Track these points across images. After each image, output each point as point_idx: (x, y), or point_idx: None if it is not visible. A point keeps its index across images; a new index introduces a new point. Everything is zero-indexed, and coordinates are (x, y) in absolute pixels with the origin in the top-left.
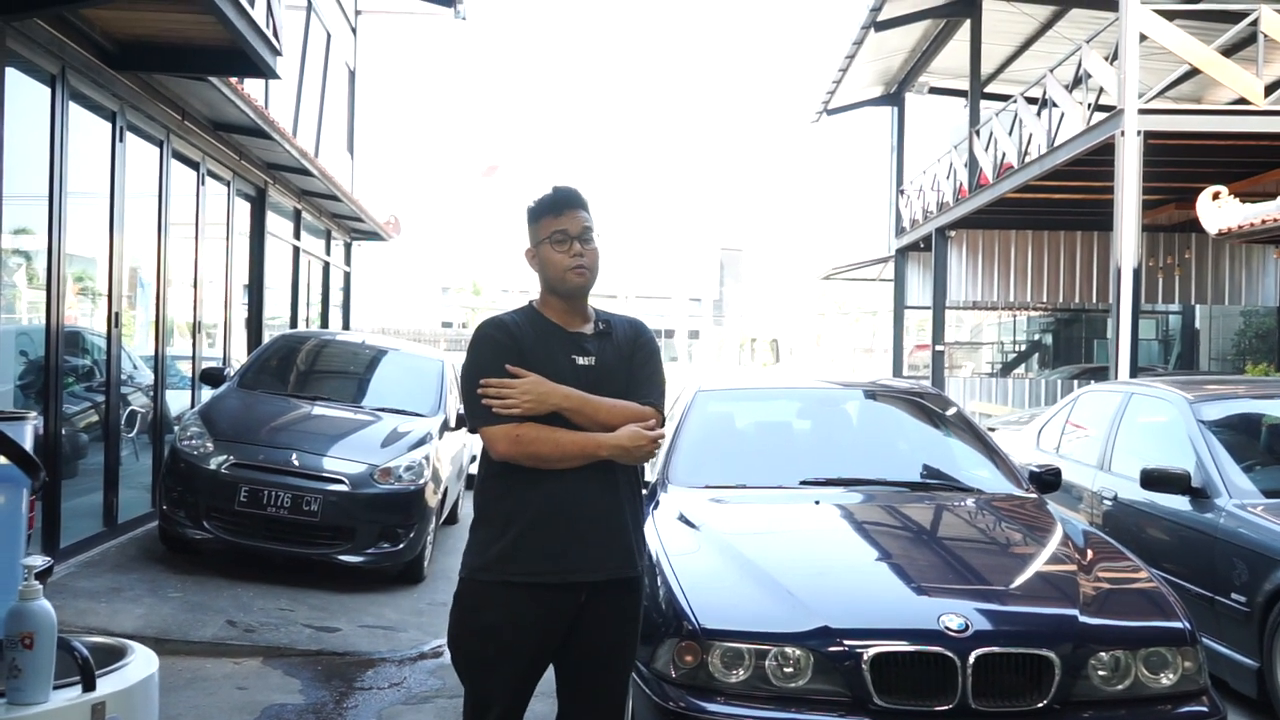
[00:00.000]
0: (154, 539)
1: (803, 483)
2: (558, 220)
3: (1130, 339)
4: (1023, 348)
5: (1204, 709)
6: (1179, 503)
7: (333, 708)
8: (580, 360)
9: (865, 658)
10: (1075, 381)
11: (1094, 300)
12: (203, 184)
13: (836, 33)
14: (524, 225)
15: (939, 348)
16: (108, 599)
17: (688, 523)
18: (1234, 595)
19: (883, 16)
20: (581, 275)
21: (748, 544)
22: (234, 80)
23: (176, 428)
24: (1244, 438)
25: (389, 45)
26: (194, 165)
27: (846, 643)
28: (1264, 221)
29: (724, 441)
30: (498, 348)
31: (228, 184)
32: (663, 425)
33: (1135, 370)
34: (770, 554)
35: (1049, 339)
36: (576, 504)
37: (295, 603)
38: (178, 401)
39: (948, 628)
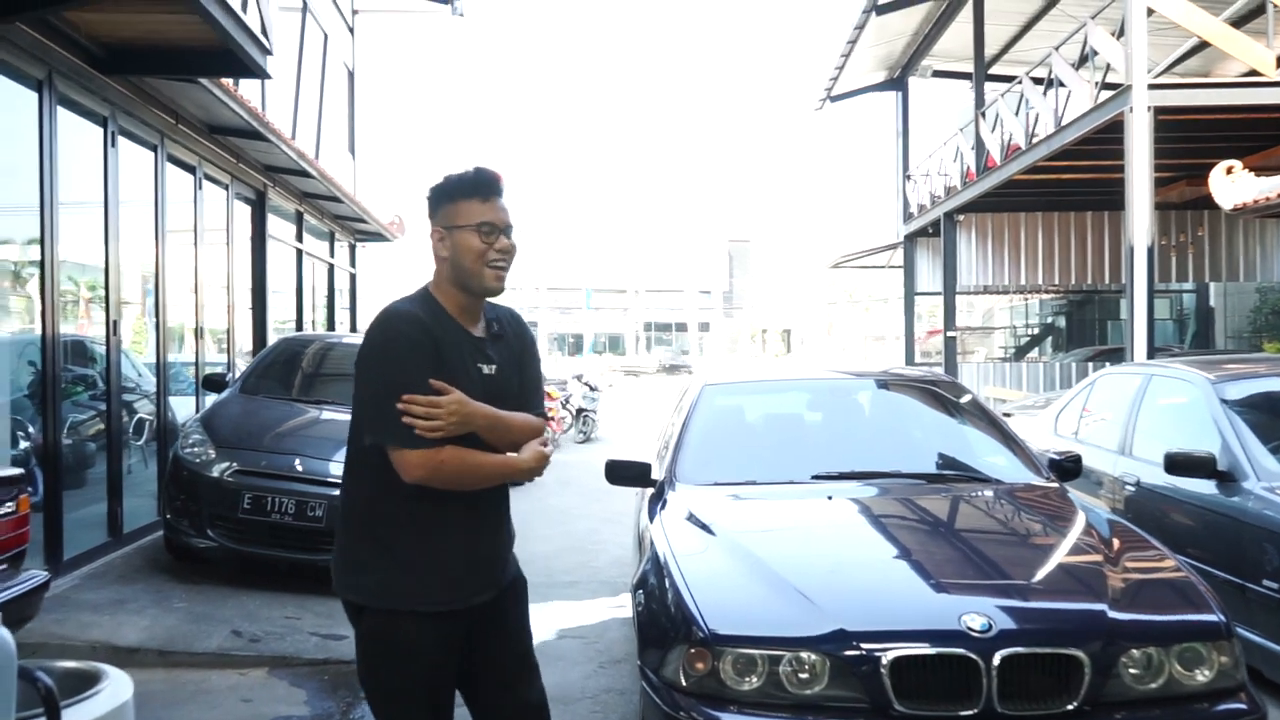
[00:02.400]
0: (159, 548)
1: (814, 477)
2: (484, 207)
3: (1146, 319)
4: (1036, 331)
5: (1242, 706)
6: (1205, 487)
7: (339, 719)
8: (485, 369)
9: (884, 661)
10: (1090, 364)
11: (1106, 281)
12: (200, 188)
13: (837, 18)
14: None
15: (950, 334)
16: (111, 611)
17: (696, 522)
18: (1266, 581)
19: (884, 0)
20: (502, 279)
21: (759, 543)
22: (227, 82)
23: (179, 435)
24: (1268, 418)
25: (388, 44)
26: (190, 169)
27: (864, 646)
28: (1279, 195)
29: (732, 437)
30: (419, 353)
31: (226, 187)
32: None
33: (1152, 351)
34: (782, 553)
35: (1062, 321)
36: (481, 527)
37: (301, 610)
38: (183, 408)
39: (970, 628)
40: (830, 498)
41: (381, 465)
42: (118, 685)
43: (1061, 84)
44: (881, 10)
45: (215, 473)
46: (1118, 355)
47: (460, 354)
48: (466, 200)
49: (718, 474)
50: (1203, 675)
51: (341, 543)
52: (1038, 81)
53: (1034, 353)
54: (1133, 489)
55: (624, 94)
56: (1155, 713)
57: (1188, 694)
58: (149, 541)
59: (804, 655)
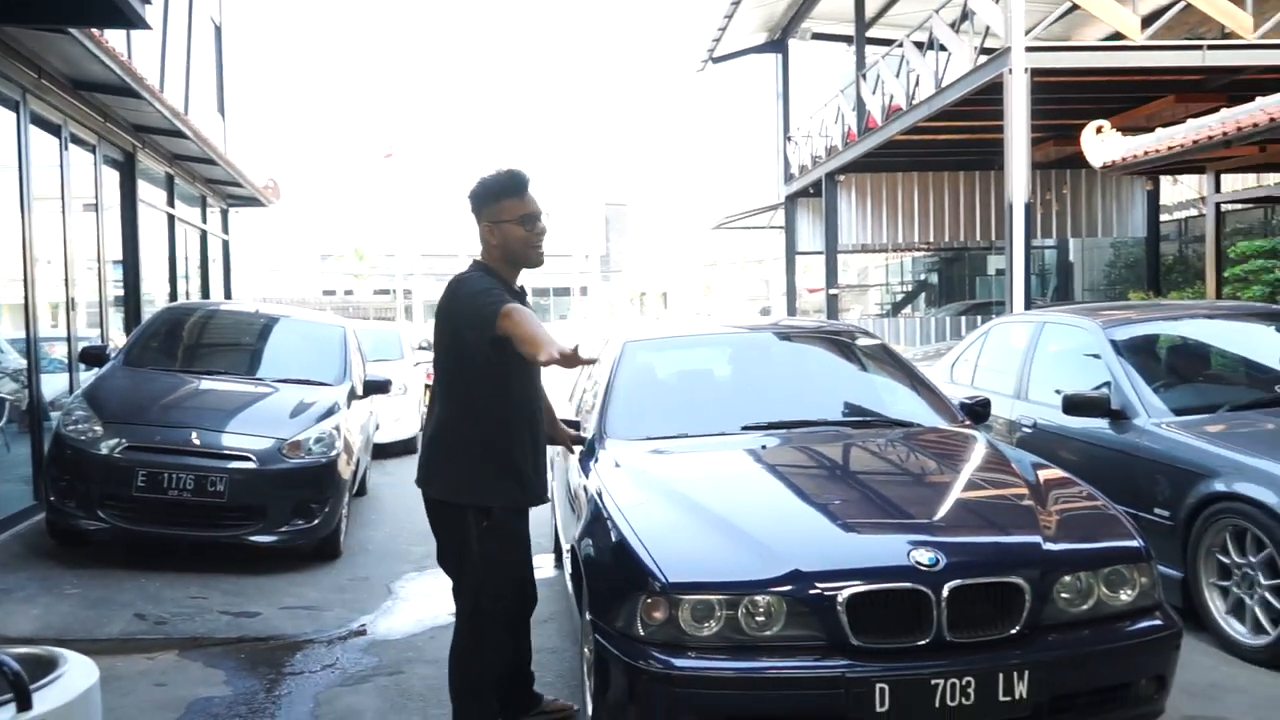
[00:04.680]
0: (40, 533)
1: (745, 428)
2: (522, 203)
3: (1024, 273)
4: (910, 288)
5: (1159, 622)
6: (1098, 425)
7: (264, 697)
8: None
9: (840, 599)
10: (963, 318)
11: (977, 238)
12: (66, 149)
13: None
14: (469, 197)
15: (833, 291)
16: None
17: (635, 475)
18: (1157, 510)
19: None
20: (542, 255)
21: (703, 492)
22: (95, 33)
23: (59, 413)
24: (1151, 359)
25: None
26: (55, 130)
27: (819, 585)
28: (1146, 153)
29: (659, 391)
30: (498, 287)
31: (93, 149)
32: None
33: (1029, 303)
34: (728, 501)
35: (934, 278)
36: (538, 447)
37: (208, 589)
38: (54, 385)
39: (919, 562)
40: (765, 446)
41: (478, 396)
42: (81, 668)
43: (943, 47)
44: None
45: (104, 450)
46: (987, 309)
47: (521, 303)
48: (508, 199)
49: (648, 428)
50: (1126, 595)
51: (449, 461)
52: (918, 44)
53: (908, 309)
54: (1029, 430)
55: (499, 54)
56: (1085, 633)
57: (1113, 614)
58: (26, 527)
59: (759, 598)
